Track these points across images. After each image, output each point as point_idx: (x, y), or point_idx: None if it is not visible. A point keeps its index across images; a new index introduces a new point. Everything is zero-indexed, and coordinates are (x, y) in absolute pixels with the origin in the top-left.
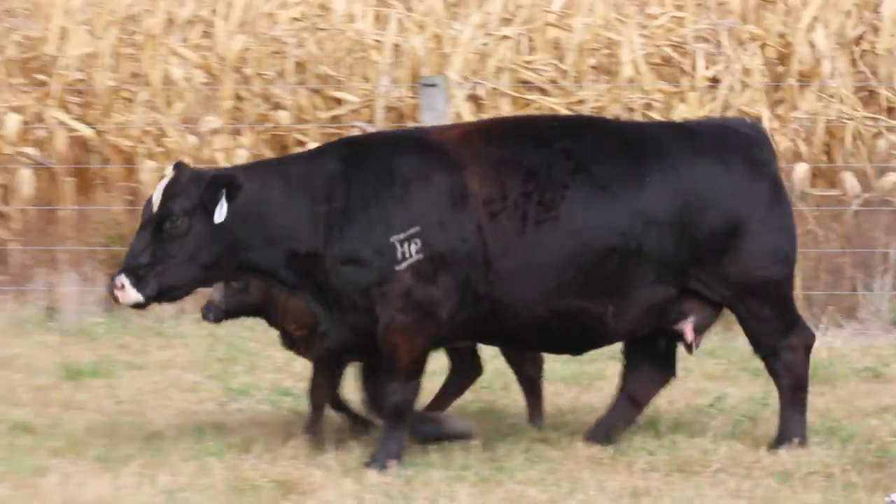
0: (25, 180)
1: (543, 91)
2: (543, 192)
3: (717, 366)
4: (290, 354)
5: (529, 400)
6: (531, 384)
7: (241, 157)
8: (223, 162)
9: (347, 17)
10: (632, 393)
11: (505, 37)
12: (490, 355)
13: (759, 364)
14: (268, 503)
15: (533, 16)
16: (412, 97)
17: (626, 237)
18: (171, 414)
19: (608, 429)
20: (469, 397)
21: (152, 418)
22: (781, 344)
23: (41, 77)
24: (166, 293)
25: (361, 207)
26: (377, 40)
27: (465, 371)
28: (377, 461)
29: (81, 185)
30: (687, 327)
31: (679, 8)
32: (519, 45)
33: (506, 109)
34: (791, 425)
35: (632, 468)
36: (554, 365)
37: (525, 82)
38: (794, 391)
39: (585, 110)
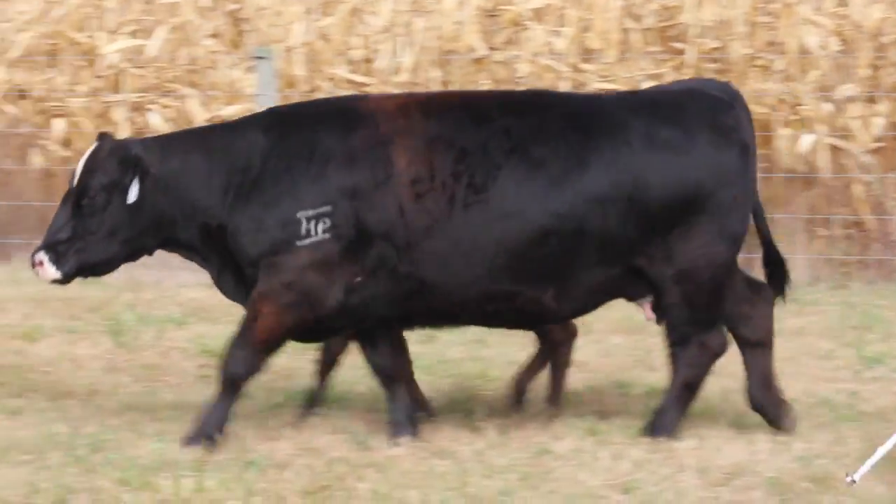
0: None
1: None
2: (474, 174)
3: None
4: None
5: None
6: (559, 352)
7: (877, 125)
8: (858, 131)
9: None
10: (751, 337)
11: None
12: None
13: None
14: None
15: None
16: None
17: (563, 218)
18: (805, 381)
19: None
20: None
21: (785, 385)
22: (696, 338)
23: (678, 45)
24: (87, 270)
25: (272, 179)
26: None
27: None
28: (195, 429)
29: None
30: (646, 305)
31: None
32: None
33: None
34: (665, 421)
35: None
36: None
37: None
38: (684, 389)
39: None
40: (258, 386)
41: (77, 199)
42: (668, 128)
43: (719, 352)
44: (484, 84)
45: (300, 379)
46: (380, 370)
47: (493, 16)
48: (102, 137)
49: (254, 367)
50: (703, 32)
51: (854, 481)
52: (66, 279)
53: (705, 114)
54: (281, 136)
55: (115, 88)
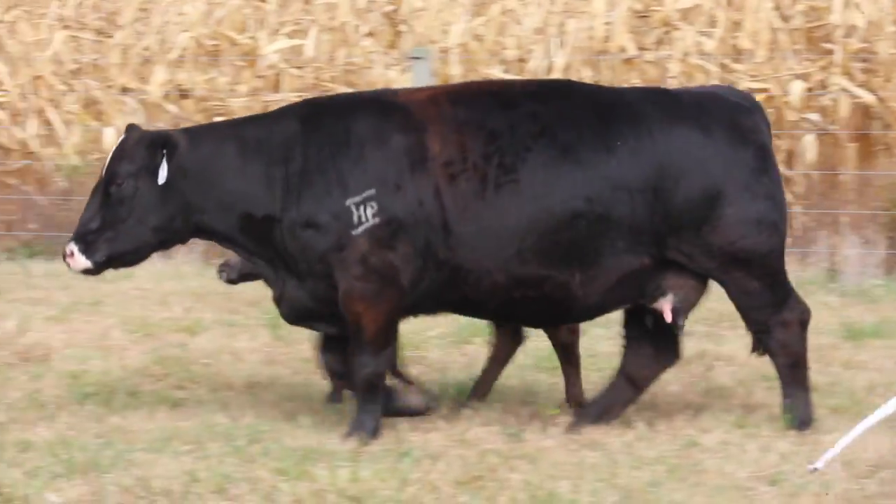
0: (809, 146)
1: None
2: (504, 155)
3: None
4: None
5: (565, 369)
6: (567, 351)
7: None
8: None
9: None
10: (631, 374)
11: None
12: None
13: None
14: None
15: None
16: None
17: (592, 202)
18: None
19: (603, 408)
20: None
21: None
22: (774, 320)
23: (826, 46)
24: (117, 259)
25: (318, 170)
26: None
27: (507, 342)
28: (352, 436)
29: (863, 150)
30: (665, 306)
31: None
32: None
33: None
34: (798, 410)
35: None
36: None
37: None
38: (792, 369)
39: None
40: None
41: (105, 188)
42: (689, 123)
43: (804, 319)
44: (635, 84)
45: (453, 371)
46: (335, 374)
47: (643, 16)
48: (130, 129)
49: (381, 362)
50: (851, 33)
51: (816, 469)
52: (96, 269)
53: (724, 114)
54: (317, 126)
55: (275, 88)
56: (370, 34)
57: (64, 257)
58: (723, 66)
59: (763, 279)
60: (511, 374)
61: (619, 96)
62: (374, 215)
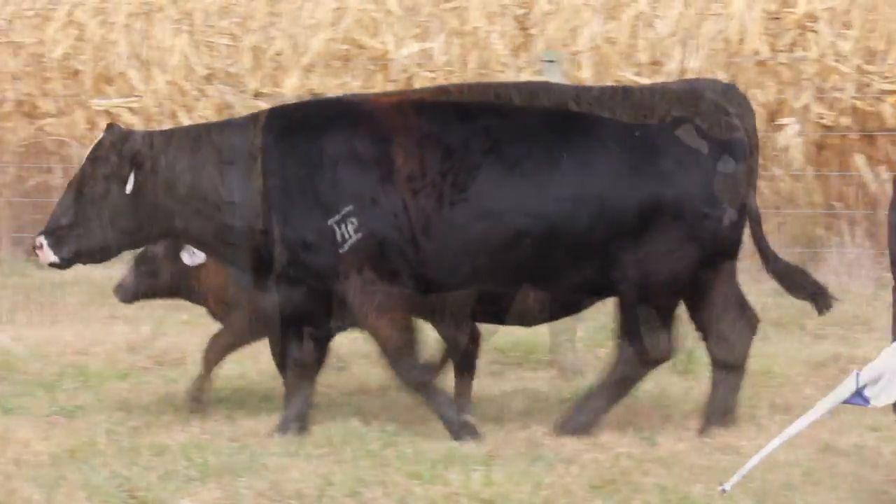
0: None
1: None
2: (458, 173)
3: None
4: None
5: (460, 376)
6: (467, 360)
7: None
8: None
9: None
10: (722, 360)
11: None
12: None
13: None
14: None
15: None
16: None
17: (537, 220)
18: None
19: (719, 406)
20: None
21: None
22: (639, 349)
23: None
24: (85, 256)
25: (299, 191)
26: None
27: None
28: (459, 437)
29: None
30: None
31: None
32: None
33: None
34: (583, 412)
35: None
36: None
37: None
38: (614, 387)
39: None
40: (546, 383)
41: (79, 186)
42: (641, 136)
43: (661, 358)
44: (769, 86)
45: (588, 375)
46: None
47: (777, 18)
48: (109, 128)
49: (420, 363)
50: None
51: (725, 490)
52: (63, 263)
53: (687, 118)
54: (289, 142)
55: None
56: (501, 37)
57: (33, 249)
58: (857, 68)
59: (664, 301)
60: (645, 378)
61: (580, 100)
62: (355, 230)
